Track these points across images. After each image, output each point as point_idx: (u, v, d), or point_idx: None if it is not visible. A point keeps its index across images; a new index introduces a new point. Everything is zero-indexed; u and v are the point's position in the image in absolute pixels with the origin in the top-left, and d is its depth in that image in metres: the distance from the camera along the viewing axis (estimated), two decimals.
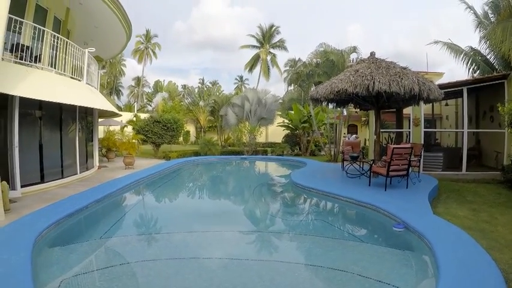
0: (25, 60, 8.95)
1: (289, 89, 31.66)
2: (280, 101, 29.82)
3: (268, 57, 46.55)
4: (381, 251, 5.84)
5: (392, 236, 6.32)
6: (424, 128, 13.73)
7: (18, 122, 8.39)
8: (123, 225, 7.31)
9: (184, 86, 55.29)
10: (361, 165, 12.24)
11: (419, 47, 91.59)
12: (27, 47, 9.11)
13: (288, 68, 38.31)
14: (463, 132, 13.02)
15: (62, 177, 10.55)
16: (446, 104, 18.59)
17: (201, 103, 35.25)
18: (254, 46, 46.30)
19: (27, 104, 8.80)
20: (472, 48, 17.42)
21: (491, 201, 8.69)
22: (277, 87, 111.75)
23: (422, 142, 12.90)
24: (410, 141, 13.34)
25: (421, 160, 12.07)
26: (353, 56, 20.29)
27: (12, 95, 7.97)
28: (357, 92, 9.46)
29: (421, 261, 5.15)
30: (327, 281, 4.73)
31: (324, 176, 12.95)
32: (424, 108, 13.54)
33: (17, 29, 8.46)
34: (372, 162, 10.66)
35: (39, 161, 9.65)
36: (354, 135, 23.01)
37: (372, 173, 10.15)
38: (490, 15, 16.91)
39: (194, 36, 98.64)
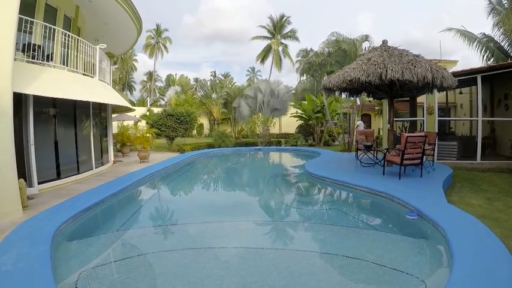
0: (37, 59, 9.09)
1: (301, 79, 31.48)
2: (293, 91, 29.63)
3: (280, 48, 46.30)
4: (395, 239, 5.83)
5: (406, 225, 6.30)
6: (438, 116, 13.50)
7: (33, 120, 8.54)
8: (139, 218, 7.41)
9: (196, 79, 55.32)
10: (375, 154, 12.14)
11: (432, 34, 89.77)
12: (39, 46, 9.25)
13: (300, 58, 38.14)
14: (477, 120, 12.75)
15: (78, 173, 10.74)
16: (461, 92, 18.28)
17: (214, 96, 35.32)
18: (265, 37, 46.14)
19: (41, 102, 8.97)
20: (485, 35, 17.13)
21: (506, 190, 8.55)
22: (290, 77, 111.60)
23: (437, 131, 12.71)
24: (424, 130, 13.16)
25: (435, 149, 11.90)
26: (365, 44, 20.11)
27: (26, 94, 8.11)
28: (370, 80, 9.35)
29: (435, 250, 5.13)
30: (341, 269, 4.73)
31: (338, 165, 12.91)
32: (437, 97, 13.30)
33: (28, 28, 8.53)
34: (385, 151, 10.56)
35: (55, 158, 9.83)
36: (361, 122, 22.96)
37: (385, 162, 10.09)
38: (504, 1, 16.53)
39: (204, 29, 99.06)
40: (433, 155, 11.32)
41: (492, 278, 3.66)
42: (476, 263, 3.98)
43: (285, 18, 44.82)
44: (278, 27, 45.19)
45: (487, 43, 16.64)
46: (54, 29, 9.74)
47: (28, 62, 8.88)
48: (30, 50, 8.98)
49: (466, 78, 12.66)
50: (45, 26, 9.41)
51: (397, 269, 4.39)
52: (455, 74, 11.11)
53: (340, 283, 4.32)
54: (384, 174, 9.87)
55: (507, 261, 4.00)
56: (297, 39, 45.10)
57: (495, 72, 12.35)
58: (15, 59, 7.05)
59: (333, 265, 4.92)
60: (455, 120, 19.80)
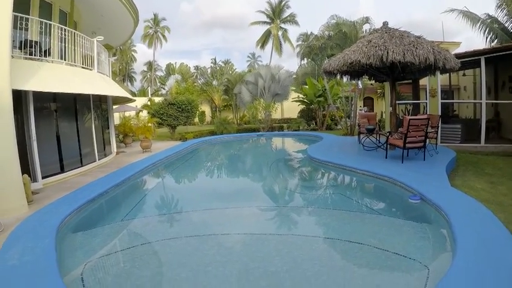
0: (35, 55, 9.03)
1: (302, 63, 31.30)
2: (294, 76, 29.50)
3: (280, 33, 45.94)
4: (398, 223, 5.88)
5: (409, 209, 6.32)
6: (441, 99, 13.35)
7: (34, 115, 8.53)
8: (143, 207, 7.51)
9: (196, 67, 55.09)
10: (378, 138, 12.11)
11: (435, 16, 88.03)
12: (36, 42, 9.17)
13: (300, 42, 37.81)
14: (481, 103, 12.59)
15: (81, 166, 10.76)
16: (464, 74, 18.03)
17: (215, 83, 35.18)
18: (264, 22, 45.69)
19: (41, 97, 8.95)
20: (489, 15, 16.76)
21: (510, 174, 8.40)
22: (291, 62, 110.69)
23: (440, 113, 12.59)
24: (427, 113, 13.08)
25: (439, 132, 11.82)
26: (366, 27, 19.89)
27: (26, 90, 8.09)
28: (371, 63, 9.31)
29: (437, 234, 5.12)
30: (344, 254, 4.79)
31: (340, 149, 12.95)
32: (440, 79, 13.16)
33: (24, 25, 8.49)
34: (388, 134, 10.53)
35: (58, 152, 9.84)
36: (365, 108, 22.89)
37: (388, 145, 10.07)
38: None
39: (202, 16, 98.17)
40: (436, 138, 11.26)
41: (495, 263, 3.65)
42: (479, 248, 3.97)
43: (283, 3, 44.28)
44: (277, 12, 44.69)
45: (490, 24, 16.33)
46: (50, 25, 9.65)
47: (26, 58, 8.81)
48: (27, 47, 8.91)
49: (469, 60, 12.48)
50: (41, 22, 9.33)
51: (400, 253, 4.42)
52: (458, 56, 10.97)
53: (343, 268, 4.37)
54: (386, 157, 9.88)
55: (510, 246, 3.99)
56: (296, 23, 44.64)
57: (499, 53, 12.07)
58: (12, 57, 7.04)
59: (335, 250, 4.98)
60: (458, 102, 19.61)
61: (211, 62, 60.23)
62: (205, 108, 37.84)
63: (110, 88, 12.81)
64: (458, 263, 3.63)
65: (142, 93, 50.39)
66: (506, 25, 16.27)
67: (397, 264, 4.27)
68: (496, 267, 3.55)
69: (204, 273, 4.18)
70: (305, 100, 26.87)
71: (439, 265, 4.12)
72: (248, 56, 68.82)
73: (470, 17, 16.44)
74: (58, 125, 10.19)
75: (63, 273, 3.83)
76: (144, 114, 23.93)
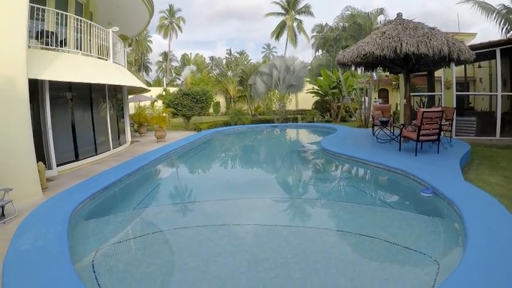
0: (51, 46, 9.21)
1: (317, 54, 30.97)
2: (309, 67, 29.23)
3: (295, 24, 45.48)
4: (410, 217, 5.80)
5: (421, 203, 6.24)
6: (456, 91, 13.10)
7: (49, 104, 8.71)
8: (156, 196, 7.61)
9: (211, 58, 55.05)
10: (392, 130, 11.99)
11: (450, 6, 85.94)
12: (52, 33, 9.35)
13: (315, 33, 37.38)
14: (496, 95, 12.29)
15: (96, 154, 10.95)
16: (479, 66, 17.53)
17: (230, 73, 35.10)
18: (279, 13, 45.26)
19: (57, 87, 9.11)
20: (504, 6, 16.26)
21: None
22: (305, 53, 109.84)
23: (455, 106, 12.35)
24: (442, 105, 12.85)
25: (453, 125, 11.61)
26: (380, 18, 19.56)
27: (42, 80, 8.25)
28: (384, 54, 9.21)
29: (449, 229, 5.04)
30: (354, 247, 4.77)
31: (354, 141, 12.87)
32: (455, 71, 12.88)
33: (40, 16, 8.63)
34: (402, 126, 10.41)
35: (73, 140, 10.03)
36: (380, 99, 22.57)
37: (402, 138, 9.96)
38: None
39: (216, 7, 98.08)
40: (450, 131, 11.08)
41: (507, 259, 3.56)
42: (491, 244, 3.90)
43: None
44: (292, 3, 44.22)
45: (506, 15, 15.83)
46: (66, 15, 9.78)
47: (42, 48, 9.00)
48: (43, 37, 9.09)
49: (485, 51, 12.17)
50: (57, 13, 9.46)
51: (410, 247, 4.37)
52: (473, 47, 10.72)
53: (353, 261, 4.33)
54: (400, 150, 9.77)
55: None
56: (311, 14, 44.12)
57: None
58: (29, 47, 7.17)
59: (346, 243, 4.96)
60: (474, 95, 19.14)
61: (227, 53, 60.29)
62: (220, 99, 37.91)
63: (125, 78, 12.93)
64: (468, 258, 3.56)
65: (158, 83, 50.75)
66: None
67: (407, 258, 4.23)
68: (508, 263, 3.46)
69: (214, 262, 4.22)
70: (319, 91, 26.71)
71: (449, 260, 4.05)
72: (263, 47, 68.43)
73: (486, 7, 15.98)
74: (73, 113, 10.37)
75: (74, 259, 3.89)
76: (159, 104, 24.10)
